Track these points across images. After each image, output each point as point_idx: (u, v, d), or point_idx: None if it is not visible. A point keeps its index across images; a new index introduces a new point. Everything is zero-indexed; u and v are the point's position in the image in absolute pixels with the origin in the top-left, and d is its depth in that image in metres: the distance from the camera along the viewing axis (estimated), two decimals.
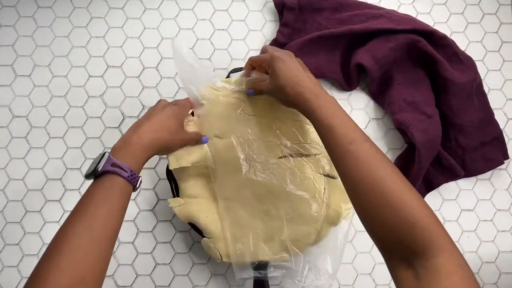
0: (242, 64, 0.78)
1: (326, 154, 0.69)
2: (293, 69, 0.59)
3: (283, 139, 0.70)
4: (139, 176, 0.54)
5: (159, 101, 0.63)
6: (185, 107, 0.64)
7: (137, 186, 0.54)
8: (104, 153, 0.53)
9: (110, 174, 0.52)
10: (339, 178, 0.68)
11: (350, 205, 0.68)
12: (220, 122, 0.69)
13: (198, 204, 0.68)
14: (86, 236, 0.47)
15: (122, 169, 0.52)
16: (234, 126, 0.70)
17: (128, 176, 0.52)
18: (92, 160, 0.56)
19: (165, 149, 0.61)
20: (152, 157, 0.74)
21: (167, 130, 0.59)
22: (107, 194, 0.51)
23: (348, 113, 0.76)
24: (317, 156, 0.70)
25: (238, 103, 0.70)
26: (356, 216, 0.75)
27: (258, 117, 0.70)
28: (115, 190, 0.51)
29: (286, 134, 0.70)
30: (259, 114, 0.70)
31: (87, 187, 0.52)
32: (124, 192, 0.52)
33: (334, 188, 0.68)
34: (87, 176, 0.52)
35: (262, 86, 0.64)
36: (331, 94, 0.78)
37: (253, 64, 0.66)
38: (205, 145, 0.69)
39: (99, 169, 0.51)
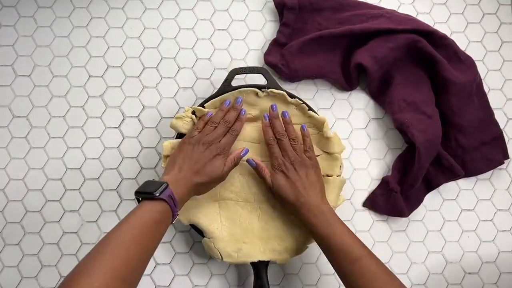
0: (242, 64, 0.78)
1: (325, 155, 0.70)
2: (286, 186, 0.65)
3: None
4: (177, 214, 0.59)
5: (193, 132, 0.66)
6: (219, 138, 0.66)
7: (173, 221, 0.59)
8: (165, 183, 0.57)
9: (163, 203, 0.56)
10: (335, 176, 0.69)
11: (343, 200, 0.70)
12: None
13: (198, 204, 0.69)
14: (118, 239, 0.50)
15: (175, 205, 0.57)
16: None
17: (175, 212, 0.57)
18: (144, 182, 0.59)
19: (210, 188, 0.67)
20: (152, 157, 0.75)
21: (215, 175, 0.64)
22: (155, 217, 0.54)
23: (348, 113, 0.78)
24: (316, 157, 0.70)
25: None
26: (356, 217, 0.75)
27: (258, 120, 0.71)
28: (163, 217, 0.55)
29: None
30: (259, 118, 0.70)
31: (136, 206, 0.55)
32: (167, 222, 0.56)
33: (330, 186, 0.69)
34: (141, 194, 0.56)
35: (265, 175, 0.67)
36: (331, 94, 0.78)
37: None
38: None
39: (158, 195, 0.55)
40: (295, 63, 0.75)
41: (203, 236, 0.68)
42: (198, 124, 0.67)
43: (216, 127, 0.66)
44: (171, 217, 0.57)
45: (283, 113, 0.69)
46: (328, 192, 0.68)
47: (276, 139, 0.67)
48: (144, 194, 0.55)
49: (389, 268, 0.71)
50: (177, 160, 0.63)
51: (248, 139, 0.70)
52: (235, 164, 0.67)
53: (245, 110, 0.69)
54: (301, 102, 0.70)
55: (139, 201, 0.57)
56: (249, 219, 0.69)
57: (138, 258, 0.50)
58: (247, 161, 0.68)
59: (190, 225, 0.69)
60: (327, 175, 0.70)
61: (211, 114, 0.68)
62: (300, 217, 0.63)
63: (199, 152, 0.64)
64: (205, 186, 0.64)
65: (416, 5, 0.82)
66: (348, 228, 0.61)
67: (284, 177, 0.65)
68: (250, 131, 0.71)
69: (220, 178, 0.65)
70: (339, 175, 0.70)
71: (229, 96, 0.69)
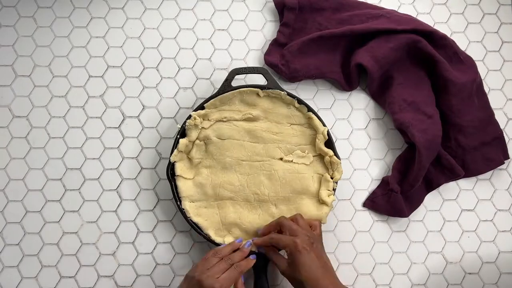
0: (242, 64, 0.78)
1: (323, 156, 0.70)
2: (316, 266, 0.60)
3: (283, 141, 0.71)
4: None
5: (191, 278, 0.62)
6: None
7: None
8: None
9: None
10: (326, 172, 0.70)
11: (332, 195, 0.70)
12: (221, 125, 0.70)
13: (197, 205, 0.70)
14: None
15: None
16: (234, 129, 0.70)
17: None
18: None
19: None
20: (152, 157, 0.75)
21: None
22: None
23: (348, 114, 0.78)
24: (315, 157, 0.71)
25: (239, 108, 0.70)
26: (356, 217, 0.75)
27: (258, 121, 0.71)
28: None
29: (285, 137, 0.71)
30: (259, 118, 0.71)
31: None
32: None
33: (322, 181, 0.70)
34: None
35: (279, 264, 0.62)
36: (331, 94, 0.78)
37: (272, 242, 0.64)
38: (203, 142, 0.70)
39: None
40: (295, 63, 0.75)
41: (203, 236, 0.68)
42: (209, 258, 0.63)
43: (220, 259, 0.63)
44: None
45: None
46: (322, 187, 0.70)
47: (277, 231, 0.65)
48: None
49: (389, 269, 0.71)
50: None
51: (247, 139, 0.71)
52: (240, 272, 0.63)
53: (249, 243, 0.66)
54: (301, 102, 0.70)
55: None
56: (249, 219, 0.69)
57: None
58: (258, 250, 0.66)
59: (190, 225, 0.69)
60: (322, 174, 0.71)
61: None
62: None
63: (198, 284, 0.60)
64: None
65: (416, 5, 0.81)
66: None
67: (307, 253, 0.60)
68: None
69: None
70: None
71: (229, 96, 0.69)
